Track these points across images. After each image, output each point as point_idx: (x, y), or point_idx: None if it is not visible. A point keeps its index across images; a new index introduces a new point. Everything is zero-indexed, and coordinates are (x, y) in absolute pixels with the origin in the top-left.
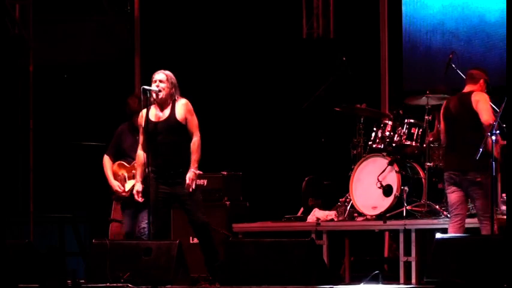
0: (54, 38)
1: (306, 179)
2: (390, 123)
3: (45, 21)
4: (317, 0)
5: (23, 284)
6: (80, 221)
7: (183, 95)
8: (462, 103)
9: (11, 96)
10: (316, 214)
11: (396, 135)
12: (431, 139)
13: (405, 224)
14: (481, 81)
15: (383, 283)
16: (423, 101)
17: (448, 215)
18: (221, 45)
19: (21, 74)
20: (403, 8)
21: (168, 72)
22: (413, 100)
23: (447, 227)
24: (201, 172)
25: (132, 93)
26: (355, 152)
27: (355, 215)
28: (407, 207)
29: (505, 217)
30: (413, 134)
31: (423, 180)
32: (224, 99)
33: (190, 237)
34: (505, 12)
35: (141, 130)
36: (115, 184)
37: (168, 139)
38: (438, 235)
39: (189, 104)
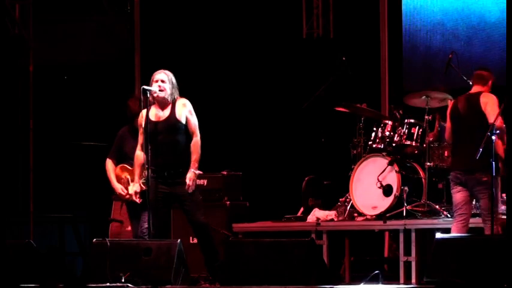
0: (54, 38)
1: (306, 179)
2: (390, 123)
3: (45, 21)
4: (317, 0)
5: (23, 284)
6: (80, 221)
7: (183, 95)
8: (470, 103)
9: (11, 96)
10: (316, 214)
11: (396, 135)
12: (431, 139)
13: (405, 224)
14: (490, 82)
15: (383, 283)
16: (422, 101)
17: (448, 215)
18: (221, 45)
19: (21, 74)
20: (403, 7)
21: (168, 72)
22: (412, 100)
23: (447, 227)
24: (201, 172)
25: (132, 93)
26: (355, 152)
27: (355, 215)
28: (407, 207)
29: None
30: (413, 134)
31: (423, 180)
32: (224, 99)
33: (190, 237)
34: (505, 12)
35: (141, 130)
36: (118, 187)
37: (168, 139)
38: (438, 235)
39: (189, 103)
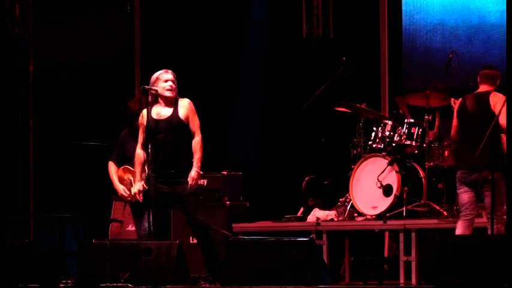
0: (54, 38)
1: (306, 179)
2: (390, 123)
3: (45, 21)
4: (317, 0)
5: (22, 284)
6: (80, 221)
7: (183, 95)
8: (480, 102)
9: (11, 96)
10: (316, 214)
11: (396, 135)
12: (431, 139)
13: (405, 224)
14: (498, 82)
15: (383, 283)
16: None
17: (448, 215)
18: (221, 45)
19: (21, 74)
20: (403, 7)
21: (172, 71)
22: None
23: (447, 227)
24: (201, 172)
25: (132, 93)
26: (355, 152)
27: (355, 215)
28: (407, 207)
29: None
30: (413, 133)
31: (423, 180)
32: (224, 99)
33: (190, 237)
34: (505, 12)
35: (141, 129)
36: (120, 188)
37: (169, 138)
38: (438, 235)
39: (192, 103)
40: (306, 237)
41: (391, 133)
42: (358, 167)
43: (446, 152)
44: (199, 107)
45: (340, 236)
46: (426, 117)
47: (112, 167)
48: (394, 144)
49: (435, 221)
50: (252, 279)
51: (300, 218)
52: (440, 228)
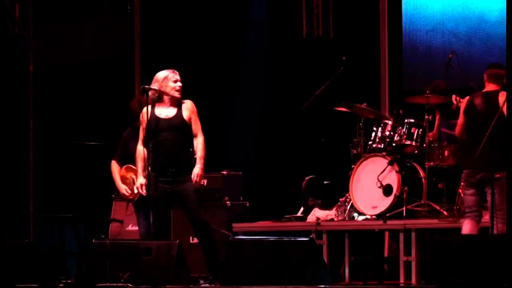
0: (54, 38)
1: (306, 179)
2: (390, 123)
3: (45, 21)
4: (317, 0)
5: (22, 284)
6: (80, 221)
7: (183, 95)
8: (489, 101)
9: (11, 96)
10: (316, 214)
11: (396, 135)
12: (431, 139)
13: (405, 224)
14: (504, 80)
15: (383, 283)
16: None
17: (448, 215)
18: (221, 45)
19: (21, 74)
20: (403, 7)
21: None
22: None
23: (447, 227)
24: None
25: (132, 93)
26: (355, 151)
27: (355, 214)
28: (407, 207)
29: None
30: (413, 133)
31: (423, 180)
32: (224, 98)
33: (190, 237)
34: (505, 12)
35: (142, 126)
36: (122, 187)
37: (172, 137)
38: (438, 235)
39: (194, 105)
40: (306, 237)
41: (391, 133)
42: (358, 167)
43: (446, 152)
44: (199, 106)
45: (340, 236)
46: (426, 117)
47: (114, 166)
48: (394, 144)
49: (435, 221)
50: (252, 279)
51: (300, 218)
52: (440, 228)
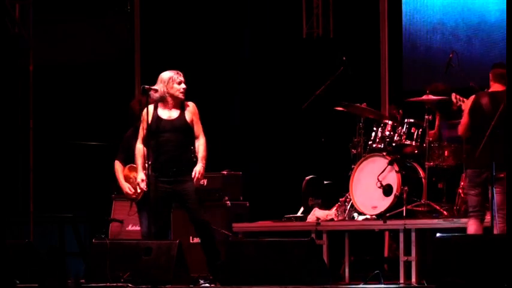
0: (54, 38)
1: (306, 179)
2: (390, 122)
3: (45, 21)
4: (317, 0)
5: (23, 284)
6: (80, 221)
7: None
8: (496, 101)
9: (11, 96)
10: (316, 214)
11: (396, 135)
12: (431, 139)
13: (405, 224)
14: None
15: (383, 283)
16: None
17: (448, 215)
18: (221, 45)
19: (21, 74)
20: (403, 7)
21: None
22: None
23: (447, 227)
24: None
25: (132, 93)
26: (355, 152)
27: (355, 214)
28: (407, 207)
29: None
30: (413, 133)
31: (423, 180)
32: (224, 99)
33: (191, 237)
34: (505, 12)
35: (143, 125)
36: (125, 186)
37: (173, 138)
38: (438, 235)
39: (196, 107)
40: (306, 237)
41: (391, 133)
42: (358, 167)
43: (446, 152)
44: (199, 106)
45: (340, 236)
46: (426, 117)
47: (118, 166)
48: (394, 144)
49: (435, 221)
50: (252, 279)
51: (300, 218)
52: (440, 228)
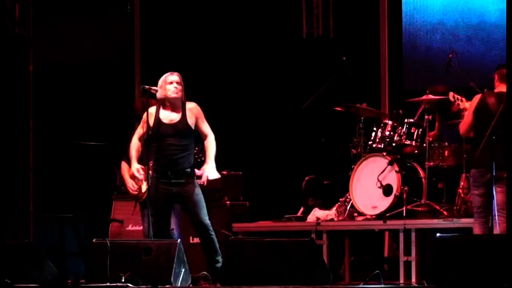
0: (54, 38)
1: (306, 179)
2: (390, 123)
3: (45, 21)
4: (317, 0)
5: (23, 284)
6: (80, 221)
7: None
8: (503, 102)
9: (11, 96)
10: (316, 214)
11: (396, 135)
12: (431, 139)
13: (405, 224)
14: None
15: (383, 283)
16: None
17: (448, 215)
18: (221, 45)
19: (21, 74)
20: (403, 7)
21: (178, 74)
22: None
23: (447, 227)
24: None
25: (132, 93)
26: (355, 152)
27: (355, 214)
28: (407, 207)
29: None
30: (413, 133)
31: (423, 180)
32: (224, 99)
33: (191, 237)
34: (505, 12)
35: (142, 124)
36: (129, 182)
37: (175, 141)
38: (438, 235)
39: (199, 107)
40: (306, 237)
41: (391, 133)
42: (358, 167)
43: (446, 152)
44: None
45: (340, 236)
46: (426, 117)
47: (124, 165)
48: (394, 144)
49: (435, 221)
50: (252, 279)
51: (300, 218)
52: (440, 228)
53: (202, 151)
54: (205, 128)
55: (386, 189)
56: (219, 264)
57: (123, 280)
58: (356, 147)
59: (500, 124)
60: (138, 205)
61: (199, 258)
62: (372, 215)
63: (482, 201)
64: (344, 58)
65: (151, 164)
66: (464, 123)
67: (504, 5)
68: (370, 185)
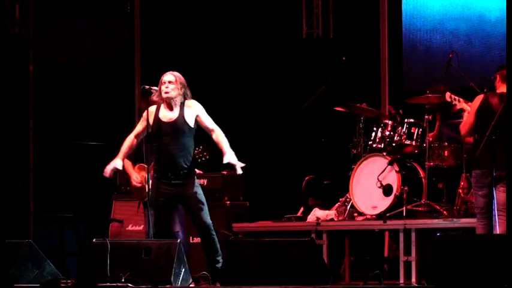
0: (54, 38)
1: (306, 179)
2: (390, 123)
3: (45, 21)
4: (317, 0)
5: (23, 284)
6: (80, 221)
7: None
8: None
9: (11, 96)
10: (316, 214)
11: (396, 135)
12: (431, 139)
13: (405, 224)
14: None
15: (383, 283)
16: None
17: (448, 215)
18: (221, 45)
19: (21, 74)
20: (403, 7)
21: (176, 73)
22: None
23: (447, 227)
24: (201, 172)
25: (132, 93)
26: (355, 151)
27: (355, 214)
28: (407, 207)
29: None
30: (413, 133)
31: (423, 180)
32: (224, 99)
33: (191, 237)
34: (505, 12)
35: (140, 121)
36: (133, 175)
37: (174, 140)
38: (438, 235)
39: (198, 104)
40: (306, 237)
41: (391, 133)
42: (358, 167)
43: (446, 152)
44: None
45: (340, 236)
46: (426, 117)
47: (127, 162)
48: (394, 144)
49: (435, 221)
50: (252, 279)
51: (300, 218)
52: (440, 228)
53: (206, 151)
54: (209, 122)
55: (387, 189)
56: (220, 264)
57: (123, 280)
58: (356, 147)
59: (500, 124)
60: (142, 204)
61: (199, 258)
62: (372, 215)
63: (486, 202)
64: (344, 58)
65: (152, 165)
66: (466, 124)
67: (504, 5)
68: (370, 185)
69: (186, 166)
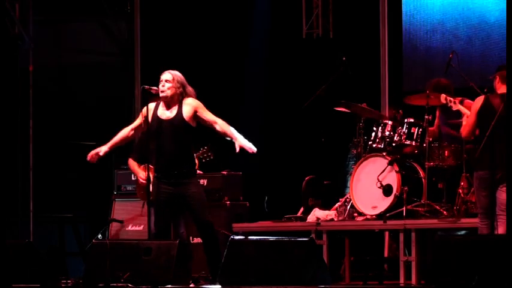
0: (54, 38)
1: (306, 179)
2: (390, 123)
3: (45, 21)
4: (317, 0)
5: (23, 284)
6: (80, 221)
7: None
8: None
9: (11, 96)
10: (316, 214)
11: (396, 135)
12: (431, 136)
13: (405, 224)
14: None
15: (383, 283)
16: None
17: (448, 215)
18: (221, 45)
19: (21, 74)
20: (403, 7)
21: (175, 72)
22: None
23: (447, 227)
24: (201, 172)
25: (132, 93)
26: (355, 151)
27: (355, 214)
28: (407, 207)
29: None
30: (413, 133)
31: (423, 180)
32: (224, 99)
33: (191, 237)
34: (505, 12)
35: (140, 117)
36: (139, 173)
37: (173, 138)
38: (438, 235)
39: (196, 101)
40: (306, 237)
41: (391, 133)
42: (358, 167)
43: (446, 152)
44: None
45: (340, 236)
46: (426, 116)
47: (131, 161)
48: (394, 144)
49: (435, 221)
50: (252, 279)
51: (300, 218)
52: (440, 228)
53: (210, 151)
54: (210, 116)
55: (386, 189)
56: (220, 264)
57: (123, 280)
58: (356, 147)
59: (500, 124)
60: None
61: (199, 258)
62: (372, 215)
63: (488, 203)
64: (344, 58)
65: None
66: (467, 125)
67: (504, 5)
68: (370, 185)
69: (185, 165)
